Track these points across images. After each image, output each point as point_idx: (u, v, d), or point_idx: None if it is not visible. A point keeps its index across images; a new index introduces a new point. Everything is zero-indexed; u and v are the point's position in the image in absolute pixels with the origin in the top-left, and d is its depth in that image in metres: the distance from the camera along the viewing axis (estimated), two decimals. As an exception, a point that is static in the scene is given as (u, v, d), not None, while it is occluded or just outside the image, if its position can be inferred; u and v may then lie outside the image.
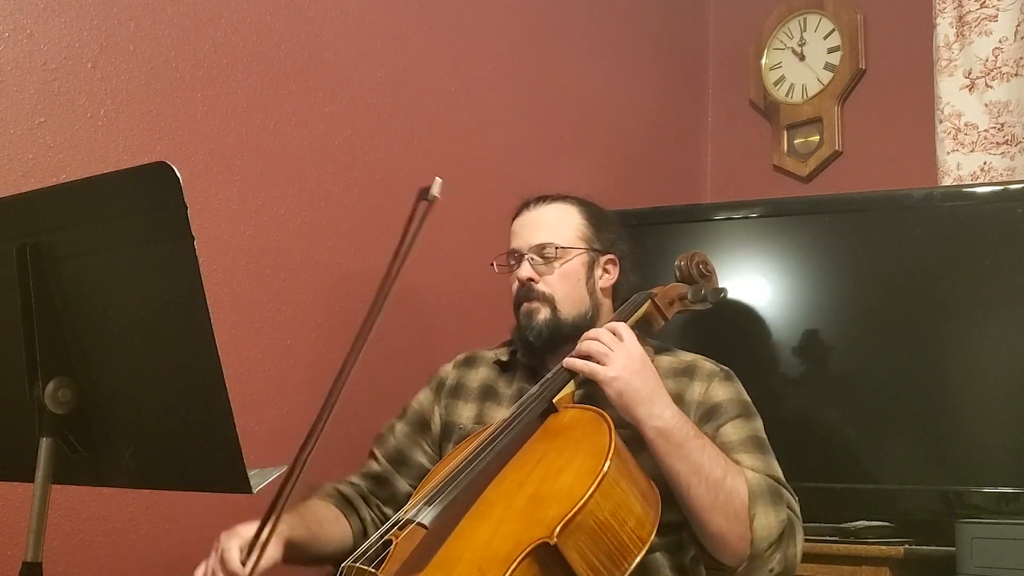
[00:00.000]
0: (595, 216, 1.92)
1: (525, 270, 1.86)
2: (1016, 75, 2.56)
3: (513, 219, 1.94)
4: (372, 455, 1.91)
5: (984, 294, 2.16)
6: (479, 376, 1.93)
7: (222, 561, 1.52)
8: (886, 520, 2.07)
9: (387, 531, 1.56)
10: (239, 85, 2.17)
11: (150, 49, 2.04)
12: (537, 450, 1.62)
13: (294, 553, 1.65)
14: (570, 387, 1.73)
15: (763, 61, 3.16)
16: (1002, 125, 2.57)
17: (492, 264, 1.95)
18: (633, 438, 1.73)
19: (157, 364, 1.20)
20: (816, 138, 3.03)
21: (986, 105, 2.58)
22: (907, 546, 1.97)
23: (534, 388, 1.76)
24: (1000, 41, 2.58)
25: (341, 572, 1.51)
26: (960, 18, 2.64)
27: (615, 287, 1.92)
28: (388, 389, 2.33)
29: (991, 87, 2.58)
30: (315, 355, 2.26)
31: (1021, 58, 2.56)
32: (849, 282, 2.28)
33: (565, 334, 1.83)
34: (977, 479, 2.07)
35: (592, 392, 1.80)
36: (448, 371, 1.97)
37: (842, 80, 2.99)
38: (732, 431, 1.72)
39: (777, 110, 3.12)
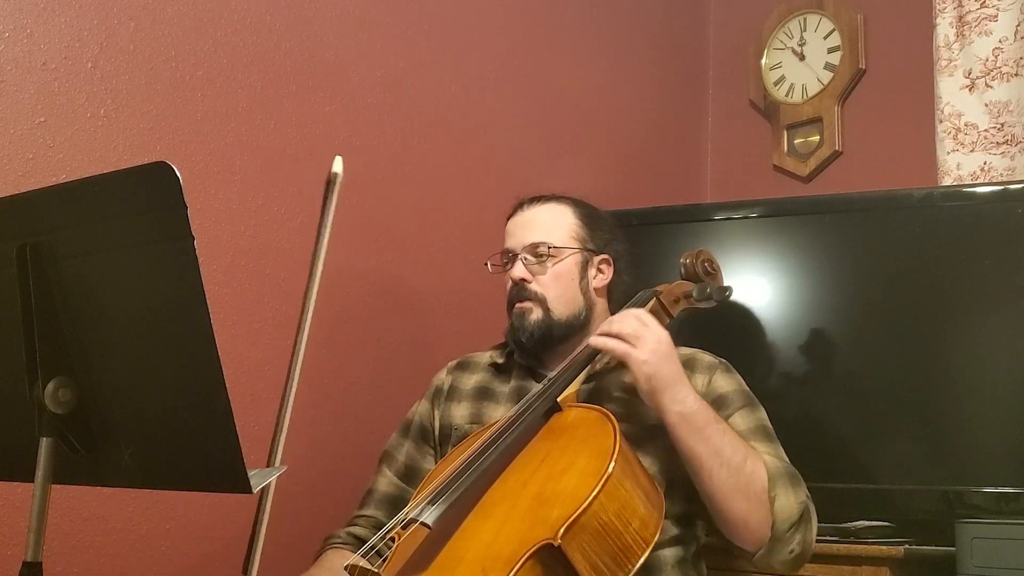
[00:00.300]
0: (589, 216, 1.92)
1: (518, 270, 1.86)
2: (1016, 75, 2.56)
3: (507, 219, 1.94)
4: (381, 475, 1.90)
5: (984, 294, 2.16)
6: (474, 379, 1.94)
7: None
8: (886, 520, 2.07)
9: (390, 530, 1.55)
10: (239, 85, 2.17)
11: (150, 49, 2.04)
12: (541, 449, 1.62)
13: None
14: (574, 386, 1.73)
15: (763, 61, 3.16)
16: (1002, 125, 2.57)
17: (486, 264, 1.95)
18: (635, 436, 1.73)
19: (157, 364, 1.20)
20: (816, 138, 3.03)
21: (986, 105, 2.58)
22: (907, 546, 1.96)
23: (538, 386, 1.76)
24: (1000, 41, 2.58)
25: (346, 571, 1.51)
26: (960, 18, 2.64)
27: (609, 287, 1.92)
28: (388, 389, 2.34)
29: (991, 87, 2.58)
30: (315, 355, 2.25)
31: (1021, 58, 2.56)
32: (849, 282, 2.28)
33: (557, 334, 1.84)
34: (977, 479, 2.07)
35: (597, 391, 1.80)
36: (442, 377, 1.97)
37: (842, 80, 2.99)
38: (740, 421, 1.74)
39: (777, 110, 3.12)
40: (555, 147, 2.81)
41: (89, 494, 1.87)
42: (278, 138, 2.22)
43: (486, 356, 1.96)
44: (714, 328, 2.13)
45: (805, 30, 3.09)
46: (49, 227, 1.23)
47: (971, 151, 2.59)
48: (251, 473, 1.15)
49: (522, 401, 1.73)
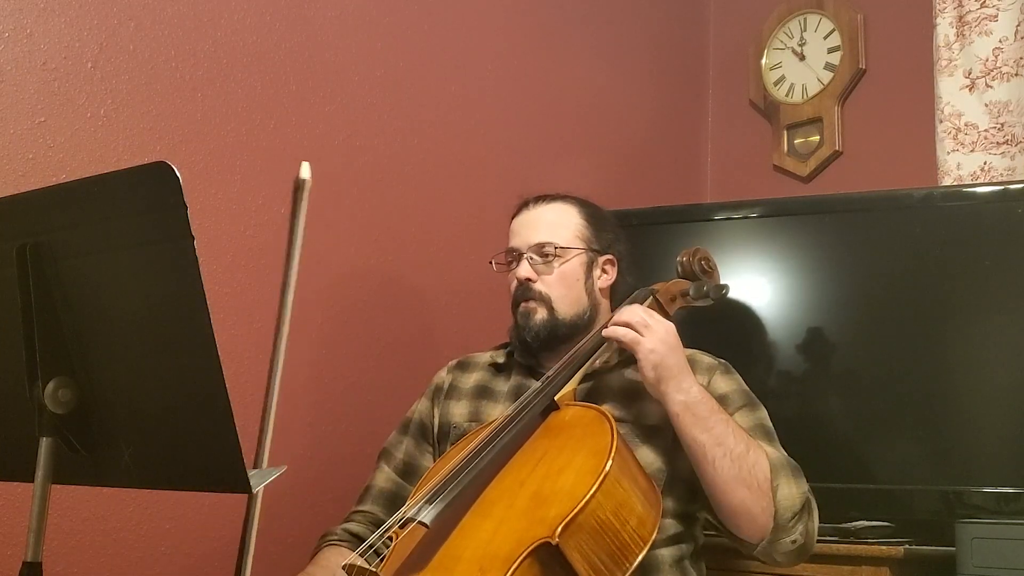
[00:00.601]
0: (594, 216, 1.93)
1: (523, 269, 1.86)
2: (1016, 75, 2.56)
3: (512, 218, 1.94)
4: (380, 471, 1.91)
5: (984, 294, 2.16)
6: (473, 378, 1.94)
7: None
8: (886, 520, 2.07)
9: (388, 529, 1.56)
10: (239, 85, 2.17)
11: (150, 49, 2.04)
12: (538, 448, 1.62)
13: None
14: (572, 384, 1.74)
15: (763, 61, 3.16)
16: (1002, 125, 2.56)
17: (491, 262, 1.95)
18: (633, 435, 1.74)
19: (157, 364, 1.20)
20: (816, 138, 3.03)
21: (986, 105, 2.58)
22: (907, 546, 1.96)
23: (536, 385, 1.77)
24: (1000, 41, 2.58)
25: (343, 570, 1.51)
26: (960, 18, 2.64)
27: (613, 287, 1.92)
28: (388, 389, 2.34)
29: (991, 87, 2.58)
30: (315, 355, 2.26)
31: (1021, 58, 2.56)
32: (849, 282, 2.28)
33: (562, 334, 1.84)
34: (977, 479, 2.07)
35: (594, 390, 1.81)
36: (443, 376, 1.97)
37: (842, 80, 2.99)
38: (741, 420, 1.74)
39: (777, 110, 3.12)
40: (555, 147, 2.81)
41: (89, 494, 1.88)
42: (278, 138, 2.22)
43: (486, 356, 1.97)
44: (714, 328, 2.13)
45: (805, 30, 3.09)
46: (49, 227, 1.23)
47: (971, 151, 2.59)
48: (251, 473, 1.16)
49: (520, 399, 1.74)
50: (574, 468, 1.52)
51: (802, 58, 3.08)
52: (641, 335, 1.70)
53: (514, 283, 1.89)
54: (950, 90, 2.63)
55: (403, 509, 1.57)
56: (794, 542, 1.67)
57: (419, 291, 2.47)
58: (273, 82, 2.23)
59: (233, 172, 2.14)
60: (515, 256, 1.90)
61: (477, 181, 2.59)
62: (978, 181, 2.55)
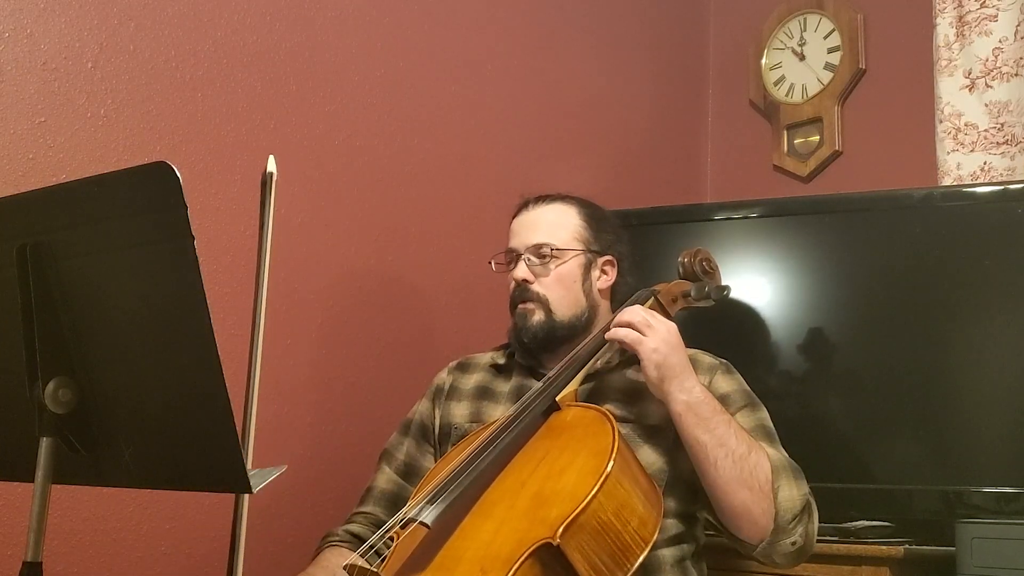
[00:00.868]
0: (594, 217, 1.93)
1: (521, 271, 1.86)
2: (1016, 75, 2.56)
3: (512, 218, 1.94)
4: (381, 472, 1.91)
5: (984, 294, 2.16)
6: (474, 379, 1.94)
7: None
8: (886, 520, 2.07)
9: (389, 529, 1.56)
10: (239, 85, 2.17)
11: (150, 49, 2.04)
12: (540, 448, 1.62)
13: None
14: (573, 385, 1.74)
15: (763, 61, 3.16)
16: (1002, 125, 2.56)
17: (490, 263, 1.95)
18: (634, 435, 1.74)
19: (157, 364, 1.20)
20: (816, 138, 3.03)
21: (986, 105, 2.58)
22: (907, 546, 1.96)
23: (537, 385, 1.77)
24: (1000, 41, 2.57)
25: (344, 570, 1.51)
26: (960, 18, 2.64)
27: (613, 288, 1.92)
28: (389, 389, 2.34)
29: (991, 87, 2.58)
30: (315, 355, 2.26)
31: (1021, 58, 2.56)
32: (849, 282, 2.28)
33: (559, 336, 1.84)
34: (977, 479, 2.07)
35: (596, 390, 1.80)
36: (443, 377, 1.97)
37: (842, 80, 2.99)
38: (742, 421, 1.74)
39: (777, 110, 3.12)
40: (555, 147, 2.81)
41: (89, 494, 1.88)
42: (278, 138, 2.22)
43: (487, 357, 1.97)
44: (715, 328, 2.13)
45: (805, 30, 3.09)
46: (49, 227, 1.23)
47: (971, 151, 2.59)
48: (251, 473, 1.16)
49: (521, 400, 1.74)
50: (575, 469, 1.52)
51: (802, 58, 3.08)
52: (643, 335, 1.70)
53: (512, 284, 1.89)
54: (950, 90, 2.63)
55: (404, 509, 1.57)
56: (794, 544, 1.67)
57: (419, 291, 2.47)
58: (273, 82, 2.22)
59: (233, 172, 2.14)
60: (513, 257, 1.90)
61: (477, 181, 2.59)
62: (978, 181, 2.55)
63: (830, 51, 3.03)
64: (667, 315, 1.85)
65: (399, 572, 1.48)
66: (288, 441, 2.16)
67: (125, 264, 1.20)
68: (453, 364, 1.99)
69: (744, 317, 2.29)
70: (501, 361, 1.93)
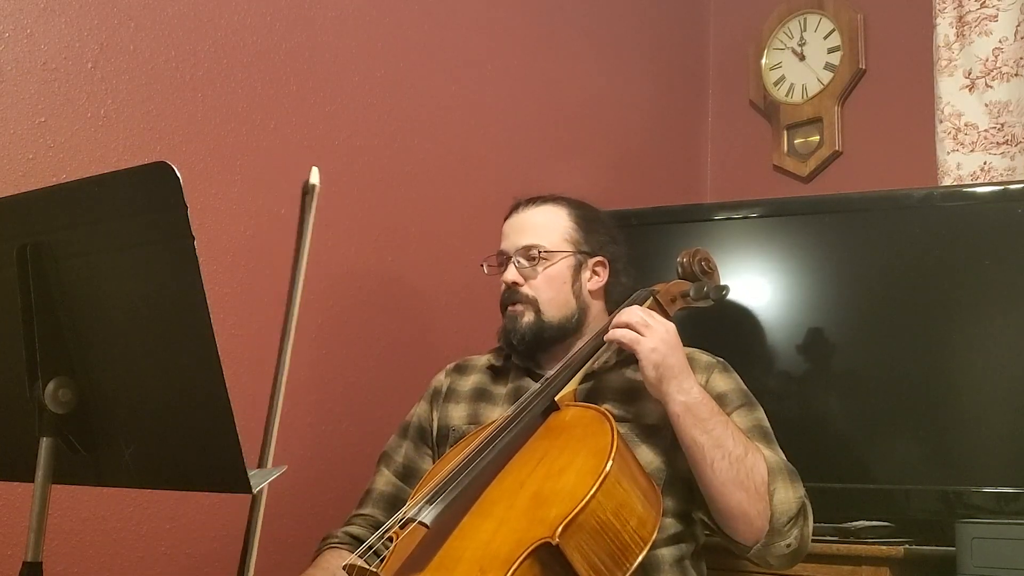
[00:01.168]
0: (585, 218, 1.92)
1: (510, 273, 1.87)
2: (1016, 75, 2.56)
3: (504, 220, 1.95)
4: (379, 474, 1.91)
5: (984, 294, 2.16)
6: (471, 381, 1.94)
7: None
8: (886, 520, 2.07)
9: (388, 529, 1.56)
10: (239, 85, 2.17)
11: (150, 49, 2.04)
12: (539, 448, 1.62)
13: None
14: (572, 385, 1.74)
15: (763, 61, 3.16)
16: (1002, 125, 2.56)
17: (482, 265, 1.96)
18: (633, 435, 1.74)
19: (157, 364, 1.20)
20: (816, 138, 3.03)
21: (986, 105, 2.58)
22: (907, 546, 1.96)
23: (536, 386, 1.77)
24: (1000, 41, 2.58)
25: (344, 570, 1.51)
26: (960, 18, 2.64)
27: (607, 289, 1.92)
28: (388, 389, 2.34)
29: (991, 87, 2.58)
30: (315, 355, 2.26)
31: (1021, 58, 2.56)
32: (849, 282, 2.28)
33: (549, 337, 1.85)
34: (977, 479, 2.07)
35: (594, 390, 1.81)
36: (441, 380, 1.97)
37: (842, 80, 2.99)
38: (738, 420, 1.74)
39: (777, 110, 3.12)
40: (555, 147, 2.81)
41: (89, 494, 1.88)
42: (278, 138, 2.22)
43: (484, 358, 1.97)
44: (714, 328, 2.13)
45: (805, 30, 3.09)
46: (49, 227, 1.23)
47: (971, 151, 2.59)
48: (251, 473, 1.16)
49: (520, 400, 1.74)
50: (574, 468, 1.52)
51: (802, 58, 3.08)
52: (642, 335, 1.70)
53: (503, 286, 1.89)
54: (950, 90, 2.63)
55: (403, 509, 1.57)
56: (788, 546, 1.67)
57: (419, 291, 2.47)
58: (273, 82, 2.22)
59: (233, 172, 2.14)
60: (504, 259, 1.90)
61: (477, 181, 2.59)
62: (978, 181, 2.55)
63: (830, 51, 3.03)
64: (666, 315, 1.85)
65: (398, 572, 1.48)
66: (288, 441, 2.16)
67: (125, 264, 1.20)
68: (450, 366, 2.00)
69: (744, 317, 2.29)
70: (498, 363, 1.93)
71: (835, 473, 2.14)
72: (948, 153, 2.61)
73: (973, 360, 2.17)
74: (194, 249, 1.11)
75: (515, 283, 1.86)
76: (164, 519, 2.00)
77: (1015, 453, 2.06)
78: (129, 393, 1.22)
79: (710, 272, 1.97)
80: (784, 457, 1.74)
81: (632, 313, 1.74)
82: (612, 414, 1.62)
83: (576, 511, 1.43)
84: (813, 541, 1.75)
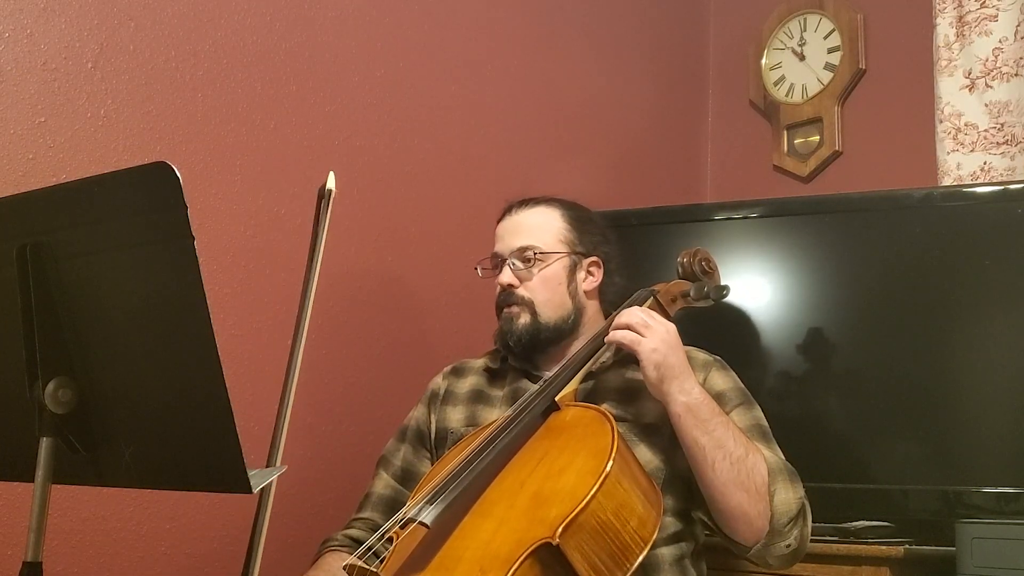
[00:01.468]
0: (578, 219, 1.93)
1: (505, 275, 1.87)
2: (1016, 75, 2.56)
3: (497, 222, 1.95)
4: (378, 478, 1.91)
5: (984, 294, 2.16)
6: (468, 383, 1.94)
7: None
8: (886, 520, 2.07)
9: (389, 530, 1.56)
10: (239, 85, 2.17)
11: (150, 49, 2.04)
12: (539, 448, 1.62)
13: None
14: (572, 385, 1.74)
15: (763, 61, 3.16)
16: (1002, 125, 2.56)
17: (476, 268, 1.96)
18: (633, 435, 1.74)
19: (157, 364, 1.20)
20: (816, 138, 3.03)
21: (986, 105, 2.58)
22: (907, 546, 1.96)
23: (536, 386, 1.77)
24: (1000, 41, 2.58)
25: (344, 570, 1.51)
26: (960, 18, 2.64)
27: (601, 289, 1.92)
28: (388, 390, 2.34)
29: (991, 87, 2.58)
30: (315, 356, 2.25)
31: (1021, 58, 2.56)
32: (849, 282, 2.28)
33: (545, 338, 1.85)
34: (977, 479, 2.07)
35: (595, 390, 1.81)
36: (438, 382, 1.98)
37: (842, 80, 2.99)
38: (737, 419, 1.74)
39: (777, 110, 3.12)
40: (555, 147, 2.81)
41: (89, 494, 1.88)
42: (278, 138, 2.22)
43: (481, 361, 1.97)
44: (714, 328, 2.13)
45: (805, 30, 3.09)
46: (49, 227, 1.23)
47: (971, 151, 2.59)
48: (251, 473, 1.16)
49: (520, 400, 1.74)
50: (575, 468, 1.52)
51: (802, 58, 3.08)
52: (642, 335, 1.70)
53: (498, 288, 1.89)
54: (950, 90, 2.63)
55: (403, 509, 1.57)
56: (788, 546, 1.67)
57: (418, 292, 2.47)
58: (273, 82, 2.23)
59: (233, 172, 2.14)
60: (498, 262, 1.90)
61: (477, 181, 2.59)
62: (978, 181, 2.55)
63: (830, 51, 3.03)
64: (666, 315, 1.85)
65: (398, 572, 1.48)
66: (288, 441, 2.16)
67: (125, 264, 1.20)
68: (448, 369, 2.00)
69: (744, 317, 2.30)
70: (494, 365, 1.93)
71: (835, 473, 2.14)
72: (948, 153, 2.61)
73: (973, 360, 2.17)
74: (194, 249, 1.11)
75: (511, 285, 1.86)
76: (164, 519, 2.00)
77: (1015, 453, 2.06)
78: (129, 393, 1.22)
79: (710, 272, 1.97)
80: (783, 456, 1.74)
81: (632, 314, 1.74)
82: (612, 413, 1.62)
83: (576, 511, 1.43)
84: (813, 541, 1.75)
